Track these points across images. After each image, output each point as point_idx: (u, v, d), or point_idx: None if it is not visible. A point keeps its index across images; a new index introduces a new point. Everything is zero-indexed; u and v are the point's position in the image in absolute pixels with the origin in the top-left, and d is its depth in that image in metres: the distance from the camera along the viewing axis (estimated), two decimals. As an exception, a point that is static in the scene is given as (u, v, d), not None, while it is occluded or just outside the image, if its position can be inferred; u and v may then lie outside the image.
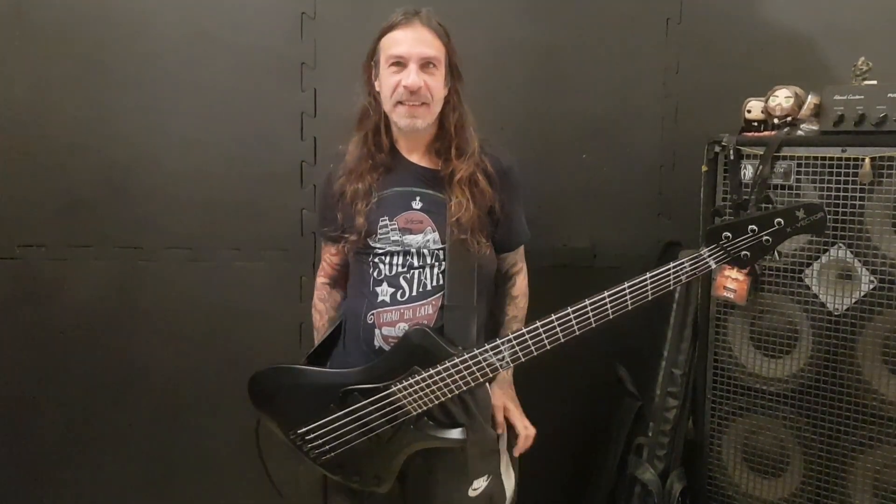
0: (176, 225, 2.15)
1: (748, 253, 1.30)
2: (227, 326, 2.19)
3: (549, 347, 1.36)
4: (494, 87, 2.09)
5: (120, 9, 2.09)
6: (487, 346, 1.37)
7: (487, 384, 1.57)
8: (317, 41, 2.11)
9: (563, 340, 1.35)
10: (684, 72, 2.13)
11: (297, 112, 2.13)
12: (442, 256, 1.49)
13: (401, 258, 1.49)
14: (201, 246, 2.17)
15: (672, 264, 1.32)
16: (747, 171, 1.75)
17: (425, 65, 1.45)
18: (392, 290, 1.48)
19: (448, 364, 1.38)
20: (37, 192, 2.13)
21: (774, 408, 1.76)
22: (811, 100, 1.74)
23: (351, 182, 1.52)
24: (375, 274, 1.50)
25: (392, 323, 1.47)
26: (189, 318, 2.18)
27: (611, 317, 1.33)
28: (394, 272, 1.49)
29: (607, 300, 1.32)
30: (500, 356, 1.36)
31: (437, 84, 1.47)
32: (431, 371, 1.39)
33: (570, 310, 1.33)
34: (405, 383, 1.40)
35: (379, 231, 1.50)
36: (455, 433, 1.44)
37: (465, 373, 1.38)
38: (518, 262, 1.67)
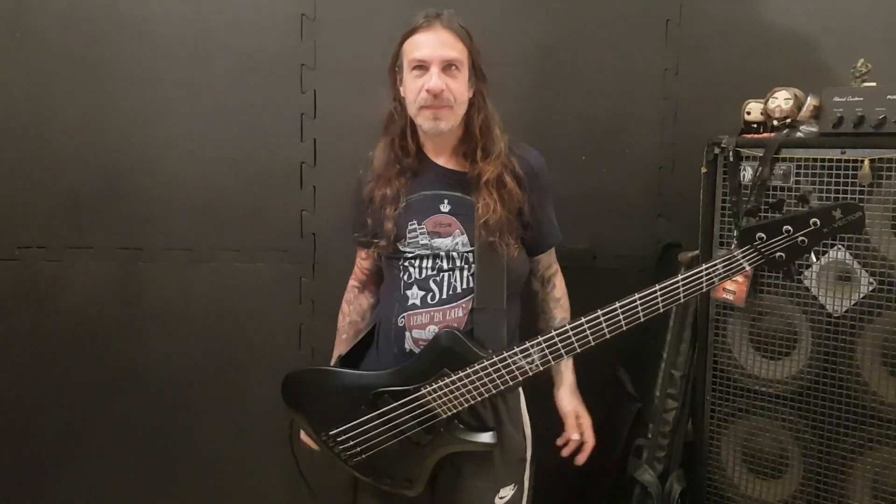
0: (176, 226, 2.15)
1: (783, 254, 1.27)
2: (227, 327, 2.19)
3: (578, 350, 1.35)
4: (493, 88, 2.06)
5: (120, 10, 2.09)
6: (517, 349, 1.36)
7: (521, 389, 1.57)
8: (317, 42, 2.11)
9: (593, 343, 1.34)
10: (684, 73, 2.13)
11: (296, 113, 2.13)
12: (471, 259, 1.48)
13: (430, 261, 1.49)
14: (201, 247, 2.17)
15: (704, 266, 1.29)
16: (747, 173, 1.75)
17: (447, 67, 1.45)
18: (422, 293, 1.49)
19: (477, 367, 1.38)
20: (37, 193, 2.14)
21: (774, 409, 1.76)
22: (810, 101, 1.74)
23: (379, 187, 1.53)
24: (405, 277, 1.51)
25: (422, 326, 1.47)
26: (189, 319, 2.19)
27: (642, 319, 1.32)
28: (423, 275, 1.49)
29: (638, 302, 1.31)
30: (529, 359, 1.36)
31: (460, 86, 1.47)
32: (461, 373, 1.39)
33: (599, 312, 1.33)
34: (435, 385, 1.40)
35: (408, 235, 1.50)
36: (486, 437, 1.45)
37: (494, 376, 1.38)
38: (552, 264, 1.66)
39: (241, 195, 2.15)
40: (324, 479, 1.70)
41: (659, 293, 1.30)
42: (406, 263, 1.51)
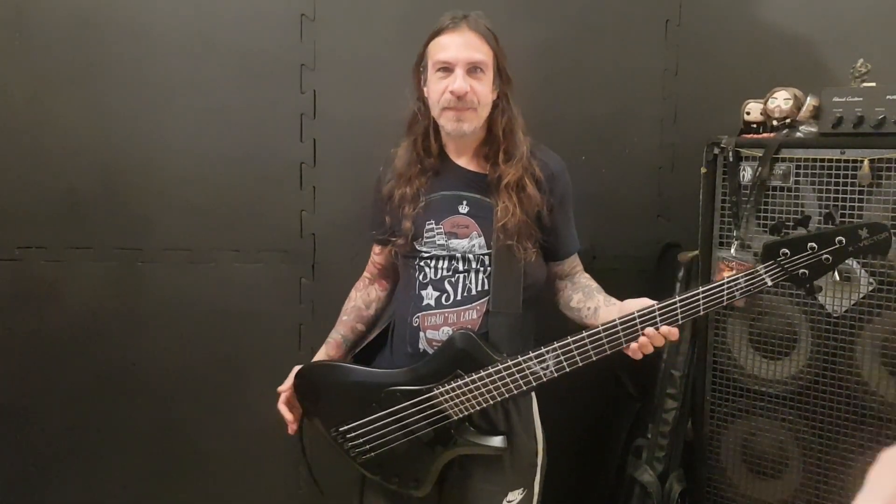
0: (175, 226, 2.15)
1: (806, 271, 1.26)
2: (227, 328, 2.19)
3: (594, 358, 1.33)
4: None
5: (119, 10, 2.08)
6: (532, 354, 1.35)
7: (534, 394, 1.56)
8: (316, 43, 2.11)
9: (609, 352, 1.33)
10: (683, 73, 2.13)
11: (296, 113, 2.13)
12: (487, 262, 1.48)
13: (446, 262, 1.49)
14: (201, 247, 2.17)
15: (726, 279, 1.28)
16: (746, 173, 1.75)
17: (472, 69, 1.45)
18: (437, 293, 1.48)
19: (491, 370, 1.37)
20: (36, 193, 2.13)
21: (773, 409, 1.76)
22: (810, 102, 1.74)
23: (399, 186, 1.52)
24: (421, 277, 1.50)
25: (436, 326, 1.47)
26: (188, 319, 2.18)
27: (660, 328, 1.30)
28: (439, 276, 1.49)
29: (657, 313, 1.30)
30: (543, 364, 1.35)
31: (484, 89, 1.46)
32: (474, 376, 1.38)
33: (617, 320, 1.31)
34: (447, 387, 1.40)
35: (425, 235, 1.50)
36: (496, 441, 1.44)
37: (507, 380, 1.37)
38: (577, 267, 1.62)
39: (241, 195, 2.14)
40: (330, 477, 1.69)
41: (679, 305, 1.29)
42: (422, 263, 1.50)
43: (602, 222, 2.18)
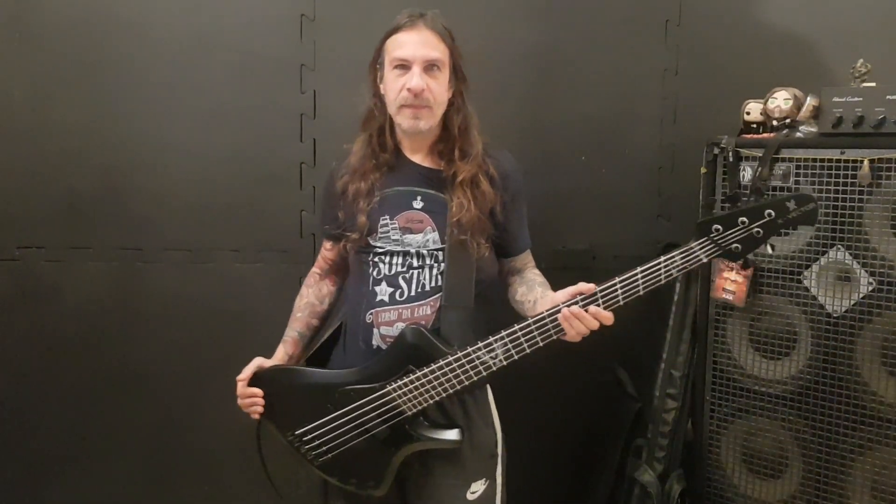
0: (175, 226, 2.15)
1: (739, 245, 1.29)
2: (227, 328, 2.19)
3: (541, 345, 1.35)
4: (493, 88, 2.09)
5: (120, 10, 2.09)
6: (481, 344, 1.36)
7: (489, 386, 1.57)
8: (316, 43, 2.11)
9: (555, 337, 1.35)
10: (683, 73, 2.13)
11: (296, 114, 2.13)
12: (441, 257, 1.49)
13: (400, 258, 1.49)
14: (201, 247, 2.17)
15: (662, 258, 1.31)
16: (746, 173, 1.75)
17: (429, 67, 1.45)
18: (391, 289, 1.48)
19: (442, 363, 1.38)
20: (36, 193, 2.14)
21: (773, 409, 1.76)
22: (810, 102, 1.74)
23: (354, 181, 1.53)
24: (375, 273, 1.50)
25: (390, 322, 1.47)
26: (188, 319, 2.18)
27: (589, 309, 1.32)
28: (393, 272, 1.49)
29: (598, 296, 1.32)
30: (492, 354, 1.36)
31: (440, 87, 1.47)
32: (426, 370, 1.39)
33: (562, 305, 1.33)
34: (399, 383, 1.40)
35: (379, 230, 1.50)
36: (451, 434, 1.44)
37: (458, 371, 1.38)
38: (528, 263, 1.64)
39: (241, 195, 2.15)
40: (293, 481, 1.68)
41: (619, 285, 1.31)
42: (376, 259, 1.51)
43: (602, 222, 2.18)
